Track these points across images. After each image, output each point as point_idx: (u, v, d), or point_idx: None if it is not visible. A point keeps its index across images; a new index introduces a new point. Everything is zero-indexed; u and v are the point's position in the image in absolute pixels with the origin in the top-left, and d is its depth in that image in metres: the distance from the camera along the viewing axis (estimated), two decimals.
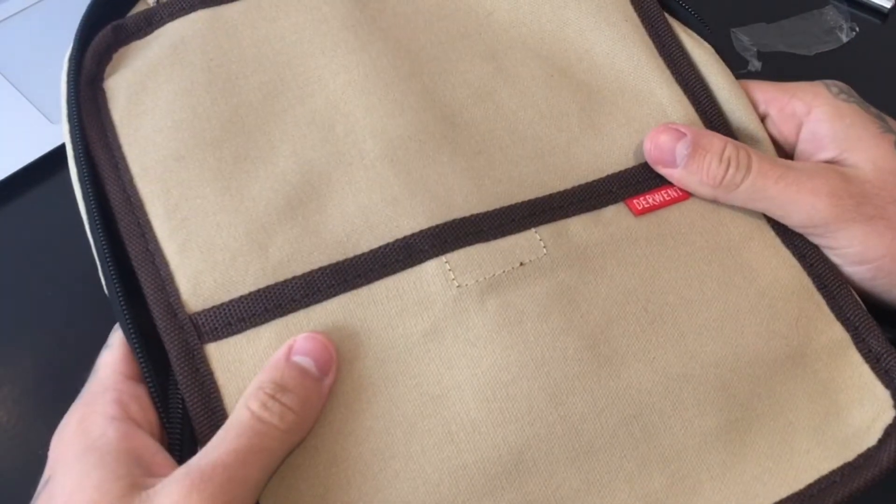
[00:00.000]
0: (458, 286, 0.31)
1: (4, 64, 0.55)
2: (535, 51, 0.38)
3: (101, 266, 0.32)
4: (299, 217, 0.32)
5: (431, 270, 0.32)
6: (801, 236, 0.35)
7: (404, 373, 0.30)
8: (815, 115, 0.36)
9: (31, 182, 0.47)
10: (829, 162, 0.35)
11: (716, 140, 0.34)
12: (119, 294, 0.31)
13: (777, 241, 0.35)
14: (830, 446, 0.32)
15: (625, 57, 0.37)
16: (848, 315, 0.34)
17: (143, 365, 0.30)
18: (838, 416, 0.32)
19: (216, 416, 0.29)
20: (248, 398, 0.28)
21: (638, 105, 0.37)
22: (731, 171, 0.34)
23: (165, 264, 0.31)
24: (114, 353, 0.31)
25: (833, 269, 0.35)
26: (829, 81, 0.37)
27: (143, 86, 0.35)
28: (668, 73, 0.37)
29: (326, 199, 0.33)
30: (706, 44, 0.39)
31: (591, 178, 0.35)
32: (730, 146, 0.34)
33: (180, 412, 0.30)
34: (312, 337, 0.30)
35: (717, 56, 0.38)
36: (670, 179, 0.35)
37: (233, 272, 0.31)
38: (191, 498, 0.26)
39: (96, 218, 0.32)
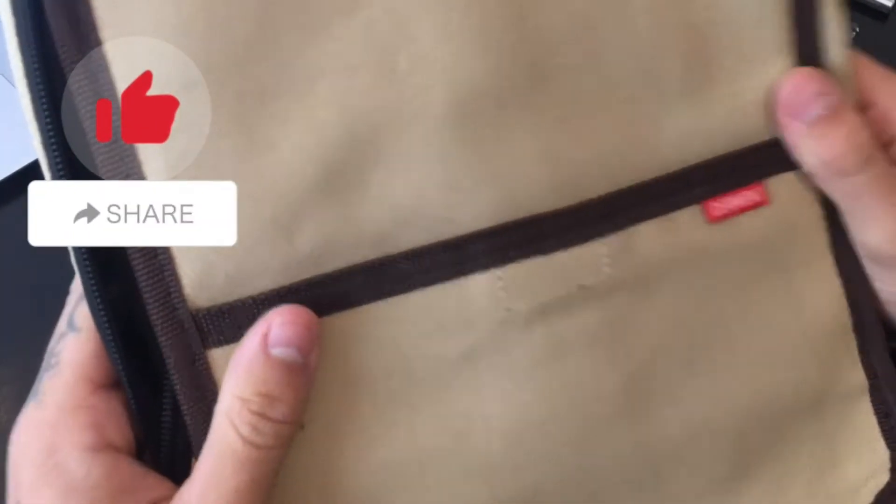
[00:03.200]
0: (506, 309, 0.27)
1: (4, 64, 0.55)
2: None
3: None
4: (337, 195, 0.25)
5: (480, 287, 0.27)
6: (856, 265, 0.32)
7: (430, 399, 0.27)
8: None
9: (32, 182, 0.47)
10: None
11: (857, 119, 0.30)
12: (89, 271, 0.25)
13: (833, 270, 0.31)
14: (821, 502, 0.31)
15: (754, 3, 0.30)
16: (873, 360, 0.32)
17: (125, 374, 0.26)
18: (834, 469, 0.31)
19: None
20: (233, 415, 0.25)
21: (747, 74, 0.30)
22: (852, 157, 0.30)
23: None
24: (81, 347, 0.26)
25: (873, 308, 0.32)
26: None
27: None
28: (793, 38, 0.30)
29: (372, 170, 0.26)
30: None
31: (673, 168, 0.29)
32: (865, 133, 0.30)
33: (169, 422, 0.27)
34: (291, 321, 0.25)
35: (846, 23, 0.32)
36: (786, 133, 0.30)
37: (251, 264, 0.25)
38: None
39: (58, 159, 0.25)
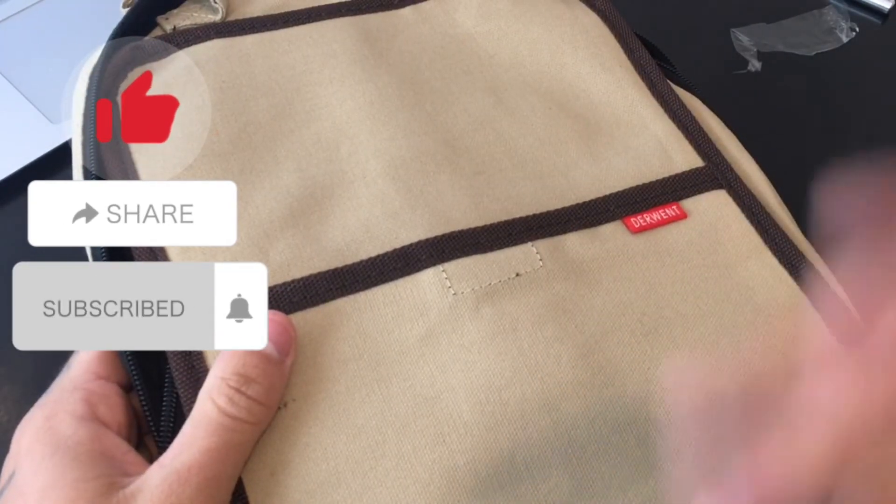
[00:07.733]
0: (453, 294, 0.32)
1: (4, 64, 0.55)
2: (535, 88, 0.40)
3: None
4: (301, 226, 0.33)
5: (428, 279, 0.32)
6: (798, 255, 0.36)
7: (398, 375, 0.30)
8: None
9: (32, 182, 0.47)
10: None
11: None
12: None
13: (774, 262, 0.36)
14: None
15: (620, 97, 0.40)
16: None
17: (131, 365, 0.30)
18: None
19: None
20: (213, 391, 0.28)
21: (635, 136, 0.39)
22: None
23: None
24: (90, 351, 0.31)
25: (829, 290, 0.35)
26: None
27: None
28: (661, 111, 0.40)
29: (328, 212, 0.34)
30: (694, 97, 0.42)
31: (588, 198, 0.36)
32: None
33: (173, 412, 0.30)
34: (271, 319, 0.29)
35: (705, 105, 0.41)
36: None
37: None
38: (170, 501, 0.26)
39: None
